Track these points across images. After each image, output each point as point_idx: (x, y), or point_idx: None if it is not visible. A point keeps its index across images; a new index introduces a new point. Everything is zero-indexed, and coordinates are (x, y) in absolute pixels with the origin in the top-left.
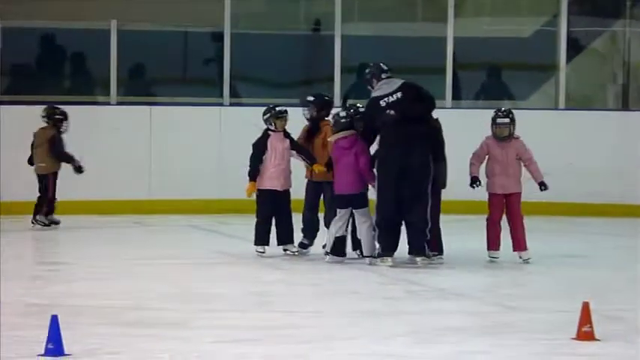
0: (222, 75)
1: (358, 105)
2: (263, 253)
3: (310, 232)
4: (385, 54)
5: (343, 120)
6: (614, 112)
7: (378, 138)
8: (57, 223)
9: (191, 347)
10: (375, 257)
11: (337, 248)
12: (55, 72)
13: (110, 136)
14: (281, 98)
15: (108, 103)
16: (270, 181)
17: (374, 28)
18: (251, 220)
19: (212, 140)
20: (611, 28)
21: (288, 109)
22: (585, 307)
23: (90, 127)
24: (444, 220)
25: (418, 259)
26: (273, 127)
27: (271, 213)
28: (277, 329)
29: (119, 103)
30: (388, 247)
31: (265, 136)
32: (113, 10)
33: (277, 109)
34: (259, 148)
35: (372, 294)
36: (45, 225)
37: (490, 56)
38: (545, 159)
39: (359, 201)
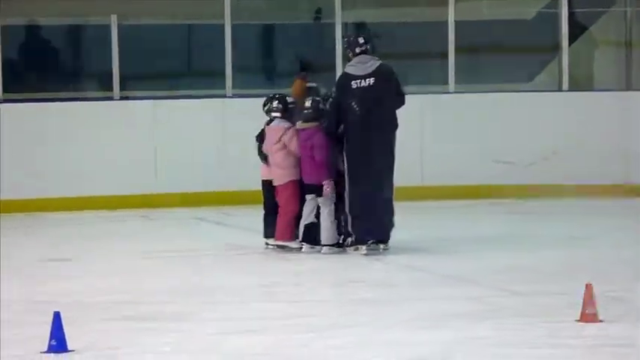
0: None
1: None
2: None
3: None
4: (386, 40)
5: (305, 111)
6: (616, 92)
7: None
8: None
9: (194, 339)
10: (348, 246)
11: (309, 236)
12: (57, 69)
13: (114, 131)
14: (284, 88)
15: (111, 98)
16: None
17: (374, 14)
18: (255, 212)
19: (215, 132)
20: (612, 9)
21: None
22: (588, 289)
23: (94, 122)
24: (449, 205)
25: (381, 246)
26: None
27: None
28: (281, 319)
29: (122, 98)
30: (361, 235)
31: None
32: (112, 5)
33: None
34: None
35: (375, 282)
36: None
37: (492, 39)
38: (550, 140)
39: (318, 190)
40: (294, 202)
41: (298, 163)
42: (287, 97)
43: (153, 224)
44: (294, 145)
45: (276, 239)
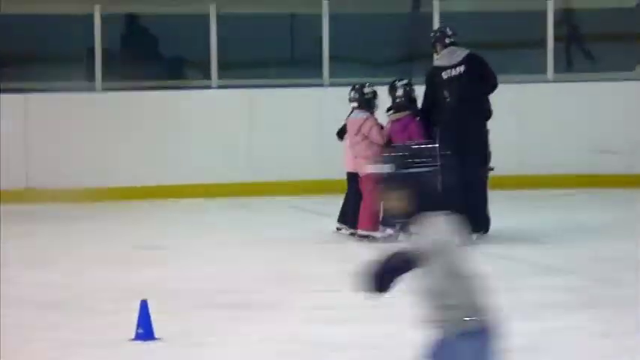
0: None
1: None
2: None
3: None
4: (483, 29)
5: (398, 100)
6: None
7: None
8: None
9: (282, 328)
10: None
11: (388, 220)
12: (155, 58)
13: (212, 119)
14: (381, 77)
15: (209, 87)
16: None
17: (473, 4)
18: None
19: (313, 121)
20: None
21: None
22: None
23: (192, 111)
24: (548, 194)
25: (474, 235)
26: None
27: None
28: (370, 308)
29: (220, 87)
30: None
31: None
32: None
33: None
34: None
35: None
36: None
37: (592, 28)
38: None
39: None
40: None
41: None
42: (364, 87)
43: (248, 212)
44: (374, 135)
45: (360, 229)
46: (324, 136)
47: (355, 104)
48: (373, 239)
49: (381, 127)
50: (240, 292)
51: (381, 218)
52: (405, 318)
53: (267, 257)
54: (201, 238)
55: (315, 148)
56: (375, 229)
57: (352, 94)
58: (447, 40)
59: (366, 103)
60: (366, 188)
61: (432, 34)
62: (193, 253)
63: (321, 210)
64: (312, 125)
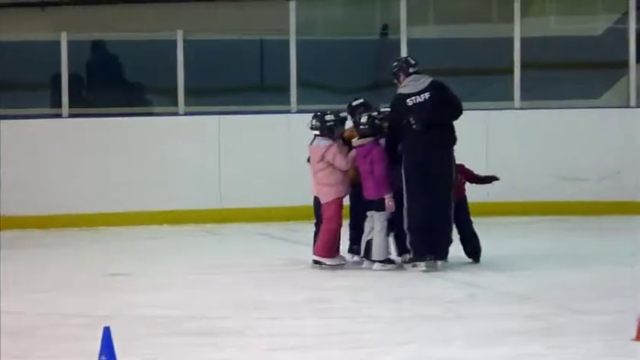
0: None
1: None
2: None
3: (357, 237)
4: (451, 56)
5: (362, 127)
6: None
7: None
8: None
9: (247, 355)
10: (406, 262)
11: (369, 252)
12: (123, 84)
13: (179, 146)
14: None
15: (176, 114)
16: None
17: (443, 30)
18: None
19: (280, 148)
20: None
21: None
22: None
23: (159, 137)
24: (514, 221)
25: (439, 262)
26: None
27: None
28: (334, 335)
29: (187, 114)
30: (420, 252)
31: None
32: (178, 20)
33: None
34: None
35: (432, 298)
36: None
37: (560, 55)
38: (618, 157)
39: (376, 206)
40: (336, 220)
41: (344, 179)
42: (326, 114)
43: (216, 239)
44: (338, 162)
45: (314, 254)
46: (293, 163)
47: (317, 132)
48: (324, 266)
49: (346, 153)
50: (204, 319)
51: (349, 246)
52: (370, 344)
53: (232, 285)
54: (168, 264)
55: (284, 175)
56: (328, 256)
57: (314, 122)
58: (411, 70)
59: (329, 130)
60: (326, 215)
61: (394, 64)
62: (160, 280)
63: (289, 237)
64: (281, 151)
